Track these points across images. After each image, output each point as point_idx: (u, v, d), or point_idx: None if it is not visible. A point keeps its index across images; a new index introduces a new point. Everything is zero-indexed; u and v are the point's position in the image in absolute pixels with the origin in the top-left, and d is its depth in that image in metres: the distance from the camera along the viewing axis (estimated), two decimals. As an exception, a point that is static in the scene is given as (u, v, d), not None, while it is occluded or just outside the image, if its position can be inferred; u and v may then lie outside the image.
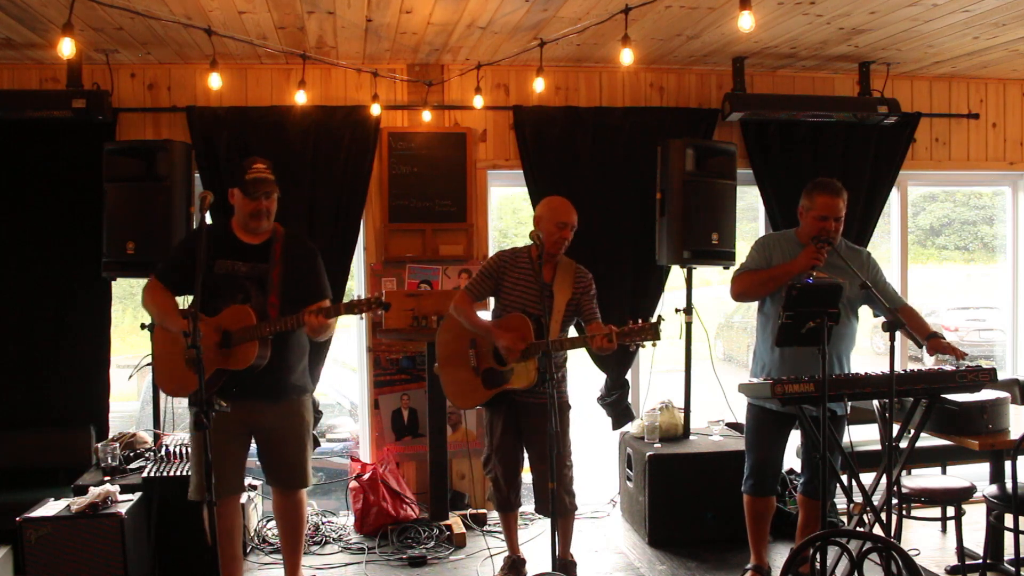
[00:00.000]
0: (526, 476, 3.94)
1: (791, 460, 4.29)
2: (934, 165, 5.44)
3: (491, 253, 4.98)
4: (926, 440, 3.81)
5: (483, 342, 3.68)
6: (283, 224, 4.60)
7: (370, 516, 4.53)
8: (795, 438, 3.85)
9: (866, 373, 3.34)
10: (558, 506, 3.63)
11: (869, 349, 3.85)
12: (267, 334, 3.24)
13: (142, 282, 3.54)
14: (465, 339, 3.73)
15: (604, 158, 4.95)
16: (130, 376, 4.55)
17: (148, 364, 3.48)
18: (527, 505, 4.32)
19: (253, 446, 3.55)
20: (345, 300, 3.46)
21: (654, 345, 3.35)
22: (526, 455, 3.85)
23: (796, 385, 3.20)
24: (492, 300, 3.90)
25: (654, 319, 3.32)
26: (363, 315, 3.27)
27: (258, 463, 3.61)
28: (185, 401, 3.57)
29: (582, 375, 5.19)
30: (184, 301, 3.51)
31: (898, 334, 3.18)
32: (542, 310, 3.38)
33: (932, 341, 3.45)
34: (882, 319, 3.23)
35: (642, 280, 4.96)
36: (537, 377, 3.48)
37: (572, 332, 3.90)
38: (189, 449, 4.02)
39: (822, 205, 3.62)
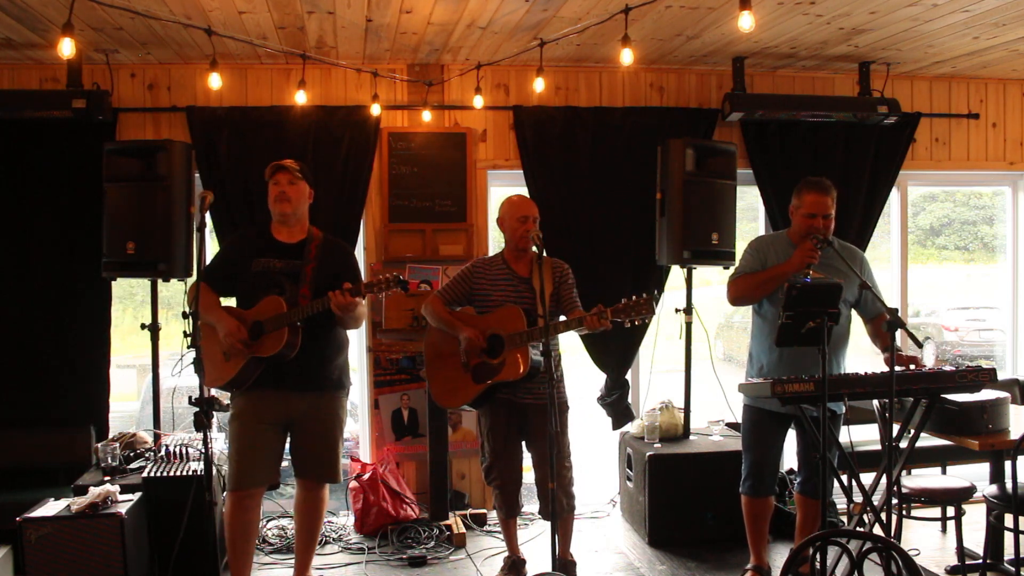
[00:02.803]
0: (526, 476, 3.94)
1: (791, 460, 4.29)
2: (934, 165, 5.44)
3: (491, 253, 5.00)
4: (926, 440, 3.81)
5: None
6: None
7: (370, 516, 4.53)
8: (791, 437, 3.85)
9: (866, 373, 3.34)
10: (556, 506, 3.64)
11: (869, 349, 3.84)
12: (295, 319, 3.34)
13: (142, 282, 3.57)
14: (453, 337, 3.73)
15: (604, 158, 4.95)
16: (178, 370, 4.56)
17: (193, 360, 3.54)
18: (530, 506, 4.32)
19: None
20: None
21: (648, 322, 3.35)
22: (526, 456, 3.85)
23: (796, 385, 3.20)
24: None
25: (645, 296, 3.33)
26: (384, 294, 3.41)
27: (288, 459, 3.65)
28: (188, 399, 3.60)
29: (582, 375, 5.20)
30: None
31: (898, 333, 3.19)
32: (531, 303, 3.37)
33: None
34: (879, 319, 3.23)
35: (642, 280, 4.96)
36: (529, 369, 3.48)
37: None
38: (177, 456, 4.09)
39: (810, 203, 3.63)
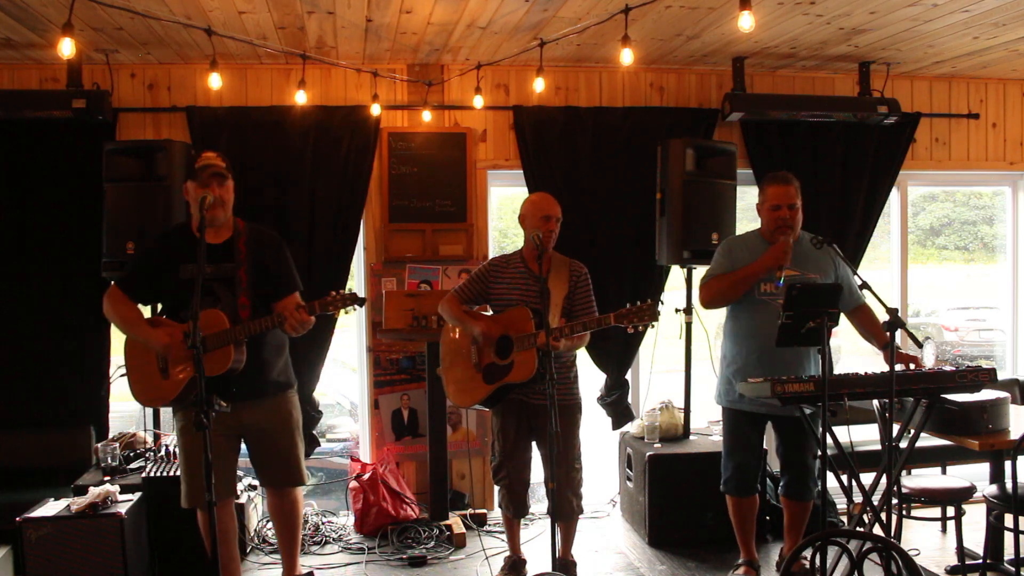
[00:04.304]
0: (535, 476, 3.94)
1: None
2: (934, 165, 5.44)
3: (491, 253, 5.01)
4: (926, 440, 3.81)
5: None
6: (284, 224, 4.64)
7: (370, 516, 4.53)
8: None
9: (866, 373, 3.33)
10: (566, 508, 3.65)
11: (870, 350, 3.84)
12: (242, 338, 3.17)
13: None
14: (467, 337, 3.74)
15: (604, 158, 4.95)
16: (103, 391, 4.52)
17: (123, 375, 3.42)
18: (533, 506, 4.32)
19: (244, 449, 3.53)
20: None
21: (653, 327, 3.36)
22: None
23: (796, 385, 3.20)
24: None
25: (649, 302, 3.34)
26: (336, 313, 3.22)
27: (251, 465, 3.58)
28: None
29: (582, 375, 5.18)
30: (148, 311, 3.52)
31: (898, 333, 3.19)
32: (542, 305, 3.37)
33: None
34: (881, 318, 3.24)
35: (642, 280, 4.96)
36: (537, 370, 3.47)
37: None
38: (177, 456, 4.02)
39: (773, 194, 3.66)
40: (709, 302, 3.78)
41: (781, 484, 3.83)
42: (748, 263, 3.64)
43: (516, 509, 3.82)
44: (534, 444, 3.81)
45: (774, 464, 4.11)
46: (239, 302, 3.24)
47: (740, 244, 3.81)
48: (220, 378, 3.14)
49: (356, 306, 3.20)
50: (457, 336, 3.80)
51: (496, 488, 3.90)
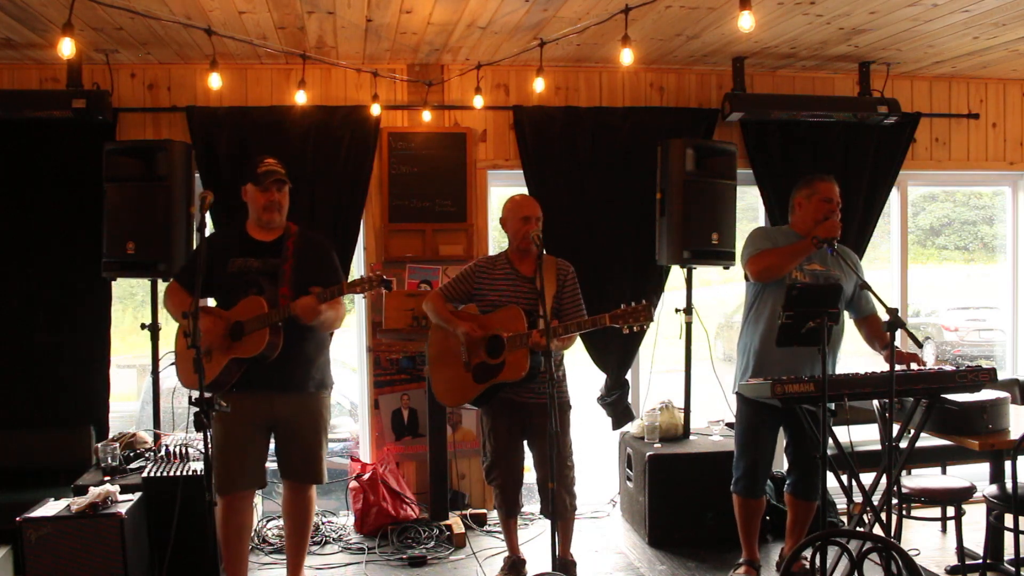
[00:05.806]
0: (527, 476, 3.94)
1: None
2: (934, 165, 5.44)
3: (491, 253, 5.00)
4: (926, 440, 3.81)
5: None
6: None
7: (370, 516, 4.53)
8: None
9: (866, 373, 3.33)
10: (559, 507, 3.64)
11: (870, 349, 3.84)
12: (276, 320, 3.30)
13: (142, 282, 3.57)
14: (455, 335, 3.73)
15: (604, 158, 4.95)
16: (163, 369, 4.54)
17: (172, 364, 3.57)
18: (530, 506, 4.32)
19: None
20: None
21: (646, 328, 3.36)
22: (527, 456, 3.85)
23: (796, 385, 3.20)
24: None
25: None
26: (366, 295, 3.36)
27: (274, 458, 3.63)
28: (188, 399, 3.59)
29: (582, 375, 5.20)
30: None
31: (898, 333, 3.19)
32: (538, 305, 3.36)
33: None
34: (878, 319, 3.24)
35: (642, 280, 4.96)
36: (529, 370, 3.47)
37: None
38: (176, 456, 4.08)
39: (825, 189, 3.71)
40: (762, 272, 3.67)
41: (788, 483, 3.82)
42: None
43: (508, 509, 3.82)
44: (525, 444, 3.81)
45: (775, 464, 4.11)
46: (280, 291, 3.39)
47: (775, 233, 3.83)
48: (254, 360, 3.30)
49: (383, 288, 3.34)
50: (445, 336, 3.79)
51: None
